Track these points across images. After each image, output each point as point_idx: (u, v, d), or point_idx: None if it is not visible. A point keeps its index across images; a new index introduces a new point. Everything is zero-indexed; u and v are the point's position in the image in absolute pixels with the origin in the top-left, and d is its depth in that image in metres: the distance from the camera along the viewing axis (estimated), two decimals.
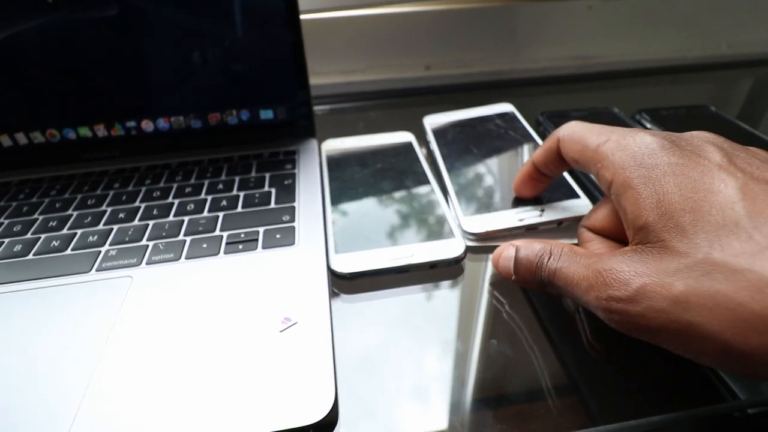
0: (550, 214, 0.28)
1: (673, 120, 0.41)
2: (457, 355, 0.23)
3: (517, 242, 0.23)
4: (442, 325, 0.25)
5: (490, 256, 0.28)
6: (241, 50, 0.35)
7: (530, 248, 0.22)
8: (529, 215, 0.28)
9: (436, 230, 0.29)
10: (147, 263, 0.27)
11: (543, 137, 0.39)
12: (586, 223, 0.24)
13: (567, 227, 0.29)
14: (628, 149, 0.19)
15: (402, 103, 0.50)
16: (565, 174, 0.32)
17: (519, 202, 0.30)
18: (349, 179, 0.34)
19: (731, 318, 0.15)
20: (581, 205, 0.29)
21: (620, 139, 0.20)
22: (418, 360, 0.23)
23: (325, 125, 0.46)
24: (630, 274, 0.17)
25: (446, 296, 0.26)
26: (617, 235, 0.22)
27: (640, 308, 0.16)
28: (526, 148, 0.35)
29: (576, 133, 0.23)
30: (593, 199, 0.32)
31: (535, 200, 0.30)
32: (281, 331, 0.23)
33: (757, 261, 0.15)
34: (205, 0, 0.33)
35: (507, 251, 0.23)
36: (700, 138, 0.19)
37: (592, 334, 0.23)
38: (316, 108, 0.49)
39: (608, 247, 0.22)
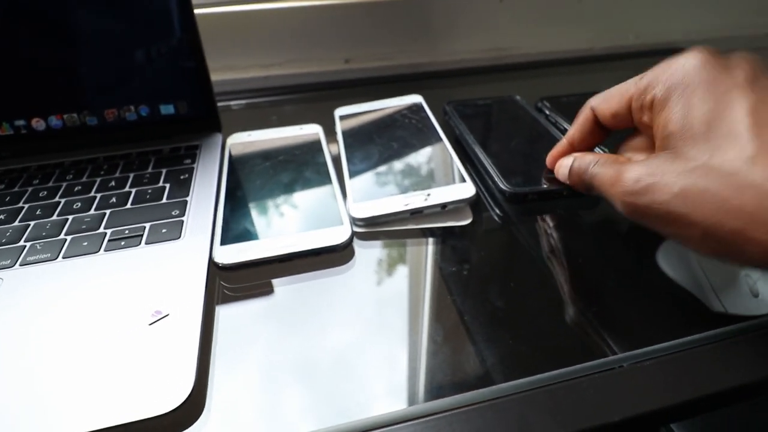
0: (435, 198, 0.29)
1: (573, 106, 0.43)
2: (342, 337, 0.23)
3: (577, 154, 0.27)
4: (325, 309, 0.25)
5: (380, 241, 0.29)
6: (135, 45, 0.34)
7: (583, 159, 0.26)
8: (415, 200, 0.29)
9: (325, 218, 0.29)
10: (21, 264, 0.26)
11: (448, 126, 0.40)
12: (594, 102, 0.27)
13: (451, 210, 0.30)
14: (671, 69, 0.22)
15: (320, 97, 0.50)
16: (454, 157, 0.33)
17: (407, 187, 0.31)
18: (249, 172, 0.34)
19: (715, 209, 0.18)
20: (466, 188, 0.30)
21: (665, 65, 0.23)
22: (299, 349, 0.23)
23: (239, 119, 0.46)
24: (643, 174, 0.21)
25: (334, 282, 0.27)
26: (615, 128, 0.27)
27: (646, 200, 0.20)
28: (425, 137, 0.36)
29: (608, 92, 0.26)
30: (479, 184, 0.33)
31: (423, 185, 0.31)
32: (150, 324, 0.22)
33: (745, 166, 0.18)
34: None
35: (566, 160, 0.28)
36: (737, 58, 0.22)
37: (483, 298, 0.24)
38: (233, 102, 0.48)
39: (641, 157, 0.25)
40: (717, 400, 0.20)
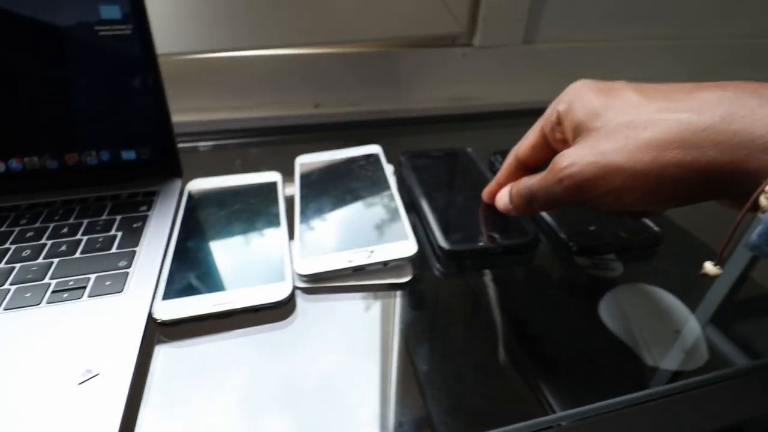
0: (378, 256, 0.30)
1: None
2: (278, 394, 0.24)
3: (511, 183, 0.31)
4: (263, 366, 0.26)
5: (323, 296, 0.30)
6: (97, 91, 0.36)
7: (518, 182, 0.30)
8: (359, 257, 0.30)
9: (268, 273, 0.30)
10: None
11: (401, 177, 0.41)
12: (515, 147, 0.32)
13: (393, 267, 0.31)
14: (566, 91, 0.28)
15: (288, 140, 0.51)
16: (401, 213, 0.34)
17: (353, 243, 0.32)
18: (203, 222, 0.35)
19: (630, 150, 0.23)
20: (408, 246, 0.31)
21: (560, 94, 0.29)
22: (233, 406, 0.23)
23: (203, 161, 0.47)
24: (570, 152, 0.26)
25: (273, 337, 0.27)
26: (535, 164, 0.31)
27: (578, 167, 0.25)
28: (377, 190, 0.38)
29: (525, 135, 0.32)
30: (421, 241, 0.34)
31: (368, 241, 0.32)
32: (80, 384, 0.23)
33: (643, 116, 0.24)
34: (57, 42, 0.33)
35: (503, 191, 0.32)
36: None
37: (417, 357, 0.25)
38: (200, 144, 0.49)
39: None
40: None
